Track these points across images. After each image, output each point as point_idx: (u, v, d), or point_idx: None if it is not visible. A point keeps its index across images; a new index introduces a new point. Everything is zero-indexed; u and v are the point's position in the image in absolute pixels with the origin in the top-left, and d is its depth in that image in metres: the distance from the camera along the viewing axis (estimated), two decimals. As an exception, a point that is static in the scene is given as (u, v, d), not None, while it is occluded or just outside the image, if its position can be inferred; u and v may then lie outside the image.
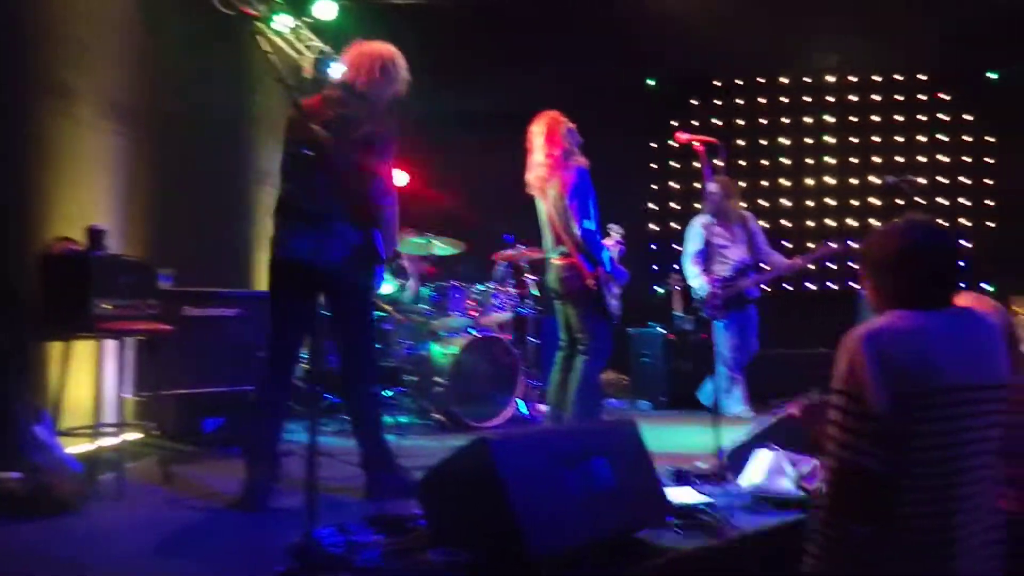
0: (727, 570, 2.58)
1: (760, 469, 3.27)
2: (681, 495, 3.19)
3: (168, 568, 2.52)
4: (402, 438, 4.90)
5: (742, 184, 7.62)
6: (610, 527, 2.42)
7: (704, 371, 5.87)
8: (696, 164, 4.33)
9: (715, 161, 4.19)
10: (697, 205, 8.26)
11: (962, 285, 2.78)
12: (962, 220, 8.11)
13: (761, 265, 6.05)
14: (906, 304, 1.94)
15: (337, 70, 6.48)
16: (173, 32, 4.74)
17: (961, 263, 2.02)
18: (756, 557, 2.69)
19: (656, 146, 8.34)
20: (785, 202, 8.40)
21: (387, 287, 5.26)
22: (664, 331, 6.54)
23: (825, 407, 1.98)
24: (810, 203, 8.35)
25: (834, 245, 5.82)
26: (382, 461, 3.38)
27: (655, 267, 7.94)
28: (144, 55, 4.71)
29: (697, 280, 5.97)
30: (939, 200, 8.08)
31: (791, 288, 7.91)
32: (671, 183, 8.48)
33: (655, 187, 8.46)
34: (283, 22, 5.35)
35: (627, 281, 4.49)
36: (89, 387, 3.78)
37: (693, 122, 8.04)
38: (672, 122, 7.95)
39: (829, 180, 8.37)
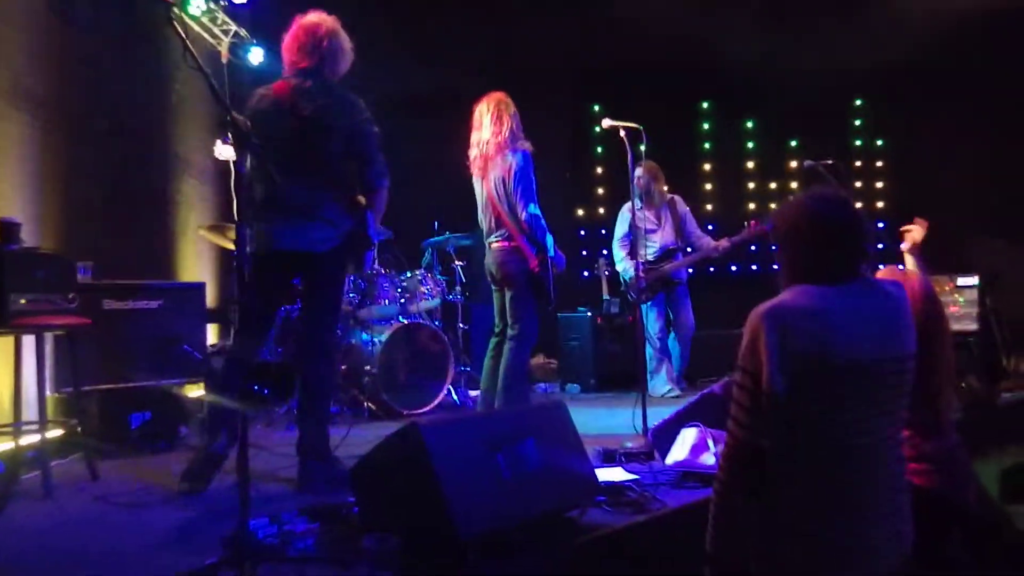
0: (654, 545, 2.68)
1: (685, 446, 3.40)
2: (609, 474, 3.30)
3: (98, 565, 2.48)
4: (332, 427, 4.91)
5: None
6: (540, 507, 2.49)
7: (631, 353, 6.03)
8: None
9: (640, 147, 4.28)
10: (622, 191, 8.50)
11: (880, 265, 2.90)
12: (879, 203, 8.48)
13: (688, 248, 6.20)
14: (811, 278, 1.93)
15: (255, 55, 6.45)
16: (87, 19, 4.59)
17: (866, 236, 2.00)
18: (681, 531, 2.79)
19: (581, 131, 8.45)
20: (708, 187, 8.64)
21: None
22: (592, 315, 6.66)
23: None
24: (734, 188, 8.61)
25: (755, 226, 5.94)
26: (318, 450, 3.39)
27: (584, 252, 8.07)
28: (56, 43, 4.55)
29: (622, 264, 6.13)
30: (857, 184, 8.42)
31: (716, 270, 8.15)
32: (597, 168, 8.62)
33: (581, 172, 8.60)
34: (197, 5, 5.23)
35: (564, 267, 4.46)
36: (8, 384, 3.67)
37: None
38: (595, 107, 8.08)
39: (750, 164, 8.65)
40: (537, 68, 7.67)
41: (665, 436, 3.57)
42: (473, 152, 4.32)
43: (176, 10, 2.32)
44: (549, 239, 4.30)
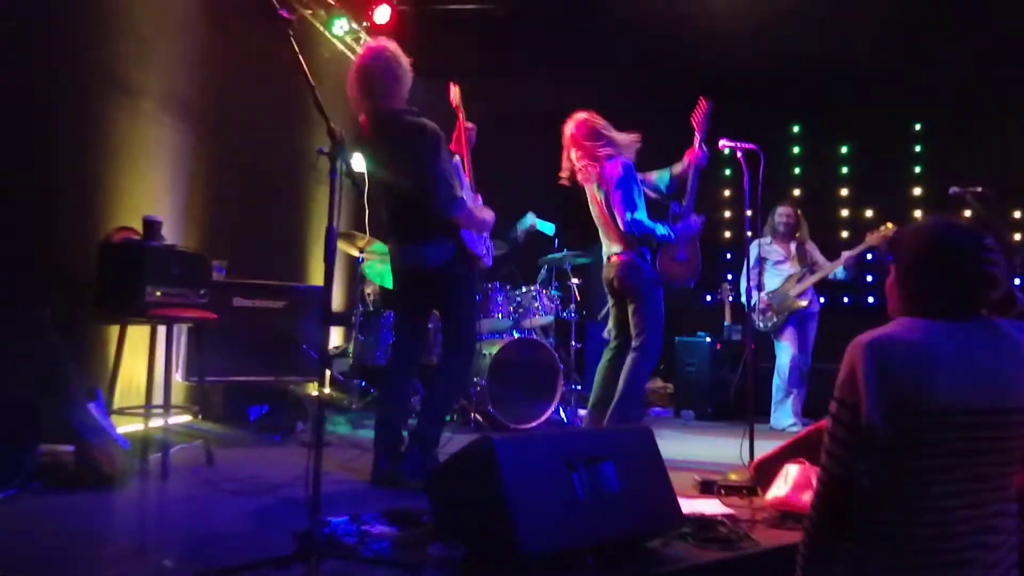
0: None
1: (787, 484, 3.22)
2: (705, 506, 3.18)
3: (187, 542, 2.63)
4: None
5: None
6: (614, 532, 2.42)
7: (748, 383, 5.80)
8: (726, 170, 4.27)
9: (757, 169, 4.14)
10: (727, 213, 8.21)
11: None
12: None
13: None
14: (924, 310, 1.81)
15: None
16: (235, 29, 4.93)
17: (993, 270, 1.81)
18: (770, 572, 2.65)
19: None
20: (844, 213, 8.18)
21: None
22: (711, 340, 6.47)
23: None
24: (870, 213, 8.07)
25: (875, 236, 5.62)
26: (425, 440, 3.53)
27: (706, 276, 7.83)
28: (206, 52, 4.92)
29: (748, 294, 5.94)
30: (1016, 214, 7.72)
31: (850, 300, 7.68)
32: (725, 191, 8.38)
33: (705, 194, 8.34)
34: (340, 26, 5.51)
35: (699, 227, 4.41)
36: (142, 370, 3.97)
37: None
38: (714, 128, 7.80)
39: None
40: (659, 85, 7.55)
41: (768, 471, 3.39)
42: (576, 175, 4.39)
43: (293, 26, 2.43)
44: (661, 229, 4.22)
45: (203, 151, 4.90)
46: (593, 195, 4.36)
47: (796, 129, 8.26)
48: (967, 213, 7.30)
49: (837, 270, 5.84)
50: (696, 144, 4.33)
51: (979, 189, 5.20)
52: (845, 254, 5.84)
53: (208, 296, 4.01)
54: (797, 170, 8.24)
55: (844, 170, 8.12)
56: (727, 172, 8.30)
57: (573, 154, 4.33)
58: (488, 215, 3.77)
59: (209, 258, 4.33)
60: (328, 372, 5.96)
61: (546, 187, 4.79)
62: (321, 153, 2.21)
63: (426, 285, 3.65)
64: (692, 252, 4.41)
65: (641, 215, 4.17)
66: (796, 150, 8.28)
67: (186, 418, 4.24)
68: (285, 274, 5.63)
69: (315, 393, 2.50)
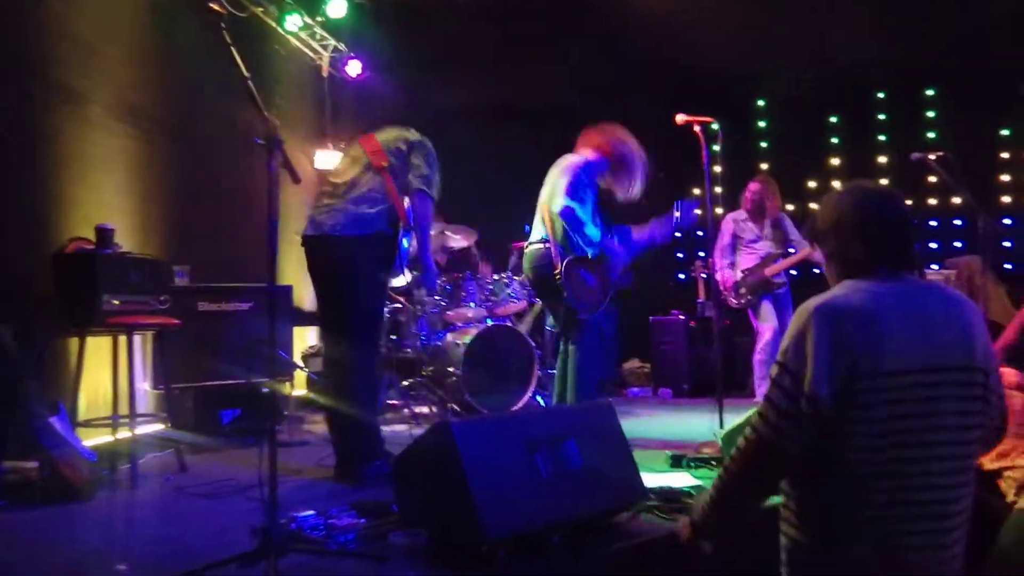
0: (699, 554, 2.55)
1: (755, 453, 3.23)
2: (674, 480, 3.19)
3: (150, 550, 2.60)
4: (417, 427, 5.00)
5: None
6: (579, 510, 2.42)
7: (727, 357, 5.82)
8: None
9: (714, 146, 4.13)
10: (697, 190, 8.20)
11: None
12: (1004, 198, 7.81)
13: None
14: (862, 273, 1.81)
15: (353, 68, 6.67)
16: (184, 33, 4.86)
17: (913, 233, 1.89)
18: (732, 541, 2.65)
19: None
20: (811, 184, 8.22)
21: (400, 279, 5.27)
22: (686, 318, 6.48)
23: None
24: (836, 184, 8.10)
25: None
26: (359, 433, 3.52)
27: (680, 255, 7.85)
28: (154, 56, 4.85)
29: (721, 272, 5.92)
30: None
31: (822, 271, 7.71)
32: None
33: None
34: (294, 22, 5.44)
35: (616, 265, 4.28)
36: (108, 381, 3.93)
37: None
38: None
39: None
40: (636, 66, 7.54)
41: (735, 441, 3.40)
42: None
43: (224, 19, 2.39)
44: (590, 229, 4.13)
45: (158, 156, 4.83)
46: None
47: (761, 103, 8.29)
48: (931, 179, 7.42)
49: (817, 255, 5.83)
50: (669, 224, 4.39)
51: (940, 154, 5.25)
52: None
53: (169, 302, 3.96)
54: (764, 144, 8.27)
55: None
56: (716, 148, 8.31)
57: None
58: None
59: (169, 264, 4.28)
60: (305, 371, 5.93)
61: (516, 176, 4.78)
62: (257, 144, 2.18)
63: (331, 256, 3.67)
64: (600, 285, 4.21)
65: (576, 206, 4.06)
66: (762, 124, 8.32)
67: (157, 427, 4.21)
68: (253, 277, 5.56)
69: (277, 391, 2.46)
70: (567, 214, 4.03)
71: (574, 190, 4.08)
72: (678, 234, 4.44)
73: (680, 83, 7.23)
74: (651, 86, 7.38)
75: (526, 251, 4.32)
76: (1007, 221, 7.35)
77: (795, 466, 1.77)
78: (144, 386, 4.43)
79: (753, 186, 5.97)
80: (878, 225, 1.84)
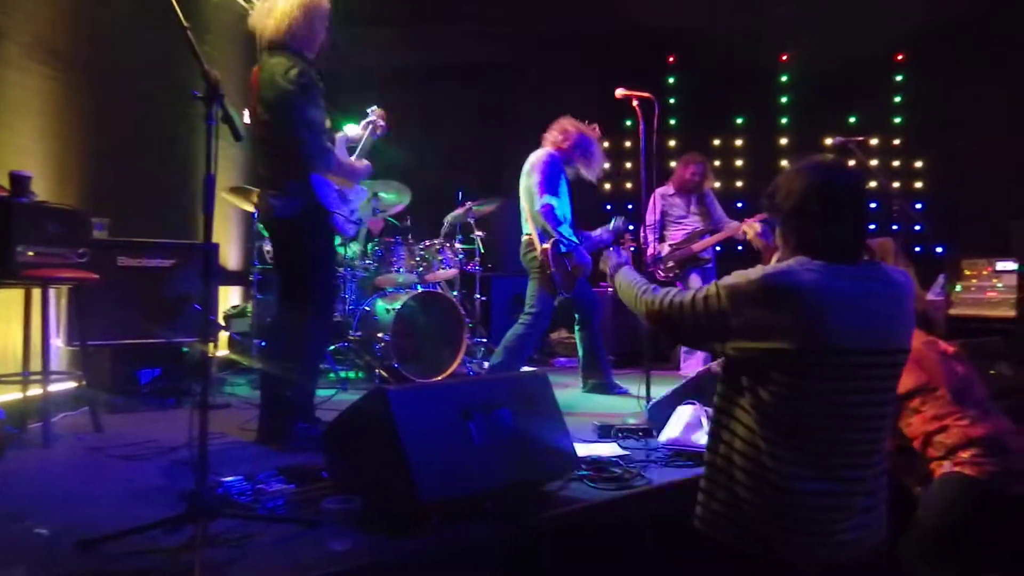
0: (627, 522, 2.63)
1: (679, 424, 3.33)
2: (601, 450, 3.25)
3: (69, 510, 2.52)
4: (344, 392, 4.95)
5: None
6: (512, 477, 2.45)
7: (651, 331, 5.93)
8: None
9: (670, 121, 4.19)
10: (628, 164, 8.30)
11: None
12: (917, 184, 8.15)
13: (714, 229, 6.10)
14: (816, 252, 1.82)
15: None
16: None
17: (869, 211, 1.93)
18: (659, 509, 2.73)
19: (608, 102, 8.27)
20: (738, 162, 8.41)
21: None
22: (614, 290, 6.55)
23: None
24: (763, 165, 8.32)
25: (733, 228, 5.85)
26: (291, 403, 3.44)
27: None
28: (82, 1, 4.59)
29: (651, 246, 6.03)
30: (893, 163, 8.10)
31: (743, 248, 7.93)
32: (625, 142, 8.43)
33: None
34: (225, -33, 5.24)
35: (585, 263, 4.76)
36: (17, 335, 3.75)
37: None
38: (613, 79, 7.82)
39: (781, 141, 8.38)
40: (563, 37, 7.50)
41: (662, 413, 3.49)
42: None
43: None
44: (564, 230, 4.64)
45: (77, 100, 4.58)
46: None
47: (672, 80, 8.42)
48: (851, 162, 7.68)
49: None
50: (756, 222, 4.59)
51: (860, 138, 5.44)
52: (749, 222, 5.90)
53: (88, 256, 3.79)
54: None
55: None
56: (627, 123, 8.36)
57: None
58: (361, 166, 3.66)
59: (88, 215, 4.08)
60: (227, 332, 5.79)
61: (459, 137, 4.75)
62: (195, 97, 2.09)
63: (277, 236, 3.58)
64: (574, 271, 4.72)
65: (553, 202, 4.58)
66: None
67: (70, 385, 4.05)
68: (176, 231, 5.37)
69: (205, 351, 2.39)
70: (547, 212, 4.58)
71: (548, 186, 4.62)
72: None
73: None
74: (582, 46, 7.37)
75: (522, 240, 4.84)
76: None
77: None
78: (57, 343, 4.24)
79: (694, 166, 6.04)
80: (840, 213, 1.84)
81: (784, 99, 8.28)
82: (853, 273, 1.80)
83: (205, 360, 2.42)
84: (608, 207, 8.15)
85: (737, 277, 1.83)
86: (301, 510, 2.39)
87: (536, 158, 4.75)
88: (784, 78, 8.19)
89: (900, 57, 7.97)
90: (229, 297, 6.49)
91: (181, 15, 2.28)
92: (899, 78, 8.00)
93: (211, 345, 5.13)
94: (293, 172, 3.34)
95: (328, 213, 3.42)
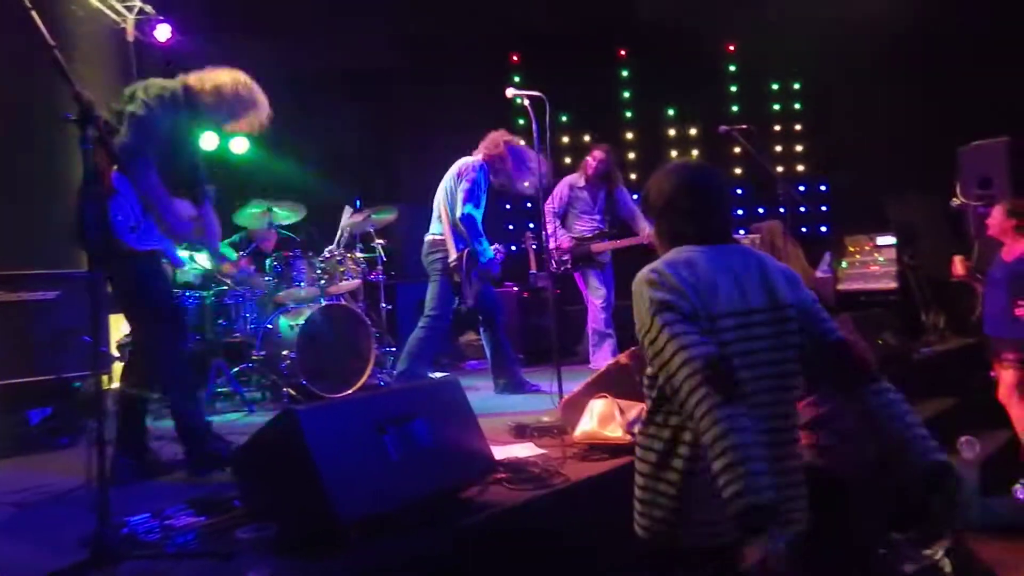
0: (551, 520, 2.65)
1: (593, 418, 3.37)
2: (518, 450, 3.26)
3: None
4: (251, 415, 4.80)
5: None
6: (431, 487, 2.43)
7: (560, 327, 5.98)
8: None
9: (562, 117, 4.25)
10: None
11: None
12: (799, 167, 8.54)
13: (627, 227, 6.10)
14: (689, 242, 2.04)
15: (162, 32, 6.20)
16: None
17: (729, 200, 2.19)
18: (579, 505, 2.77)
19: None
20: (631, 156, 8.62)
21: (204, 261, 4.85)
22: (519, 289, 6.61)
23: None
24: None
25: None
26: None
27: (510, 226, 7.99)
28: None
29: (554, 235, 6.00)
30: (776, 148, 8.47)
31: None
32: (520, 140, 8.47)
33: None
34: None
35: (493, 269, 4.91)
36: None
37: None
38: (515, 77, 7.90)
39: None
40: (459, 39, 7.50)
41: (575, 409, 3.53)
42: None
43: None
44: (483, 243, 4.80)
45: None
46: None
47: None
48: (736, 150, 8.00)
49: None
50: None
51: (744, 127, 5.65)
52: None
53: (-41, 293, 3.56)
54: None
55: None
56: (520, 122, 8.42)
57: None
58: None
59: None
60: (121, 362, 5.51)
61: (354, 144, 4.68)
62: (67, 120, 1.97)
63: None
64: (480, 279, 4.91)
65: (476, 213, 4.74)
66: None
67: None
68: (57, 261, 5.08)
69: (99, 385, 2.26)
70: (470, 222, 4.72)
71: (473, 195, 4.74)
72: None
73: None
74: (479, 46, 7.39)
75: (425, 240, 4.94)
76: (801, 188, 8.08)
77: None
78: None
79: (597, 153, 5.90)
80: (704, 206, 2.09)
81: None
82: (723, 251, 2.03)
83: (99, 394, 2.30)
84: (507, 205, 8.19)
85: (641, 289, 1.96)
86: (214, 543, 2.31)
87: (467, 165, 4.81)
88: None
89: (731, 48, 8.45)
90: (121, 326, 6.19)
91: (47, 33, 2.16)
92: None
93: (104, 378, 4.89)
94: None
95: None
